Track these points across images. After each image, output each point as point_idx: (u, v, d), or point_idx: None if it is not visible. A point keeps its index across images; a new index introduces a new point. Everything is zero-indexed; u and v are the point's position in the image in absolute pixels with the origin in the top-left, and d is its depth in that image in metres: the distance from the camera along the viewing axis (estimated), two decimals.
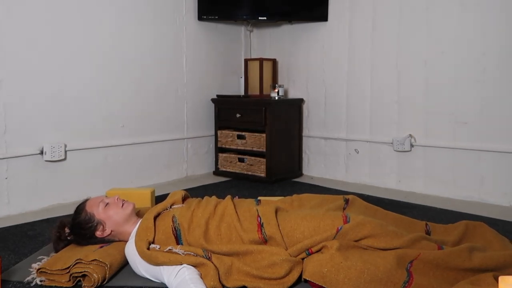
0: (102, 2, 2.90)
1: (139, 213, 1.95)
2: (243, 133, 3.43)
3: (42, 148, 2.65)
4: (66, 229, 1.82)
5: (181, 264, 1.56)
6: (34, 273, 1.66)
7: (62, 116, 2.75)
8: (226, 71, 3.78)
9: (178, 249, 1.61)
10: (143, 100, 3.19)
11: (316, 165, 3.58)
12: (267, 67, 3.59)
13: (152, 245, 1.65)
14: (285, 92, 3.70)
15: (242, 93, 3.72)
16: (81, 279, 1.62)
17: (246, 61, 3.67)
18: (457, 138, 2.86)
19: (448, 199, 2.86)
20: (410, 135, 3.05)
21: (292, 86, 3.70)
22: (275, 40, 3.77)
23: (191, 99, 3.52)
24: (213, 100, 3.60)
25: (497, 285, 1.35)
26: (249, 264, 1.59)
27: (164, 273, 1.57)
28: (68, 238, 1.82)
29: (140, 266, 1.64)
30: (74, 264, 1.60)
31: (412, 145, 3.05)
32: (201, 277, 1.54)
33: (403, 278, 1.47)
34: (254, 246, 1.63)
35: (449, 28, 2.83)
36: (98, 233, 1.77)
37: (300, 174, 3.60)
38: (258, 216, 1.74)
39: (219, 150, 3.59)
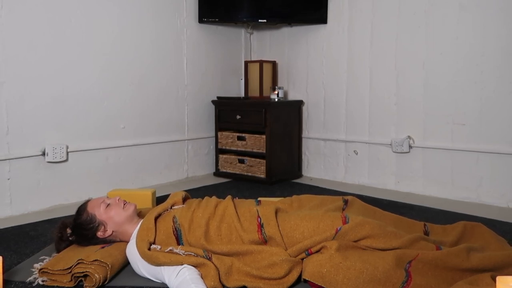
0: (104, 4, 2.92)
1: (140, 214, 1.96)
2: (243, 135, 3.45)
3: (44, 149, 2.67)
4: (67, 229, 1.83)
5: (182, 264, 1.57)
6: (36, 273, 1.67)
7: (64, 118, 2.77)
8: (227, 73, 3.80)
9: (178, 249, 1.62)
10: (144, 101, 3.20)
11: (316, 166, 3.60)
12: (267, 69, 3.61)
13: (153, 246, 1.66)
14: (285, 94, 3.72)
15: (242, 94, 3.74)
16: (83, 279, 1.62)
17: (246, 63, 3.69)
18: (455, 139, 2.87)
19: (447, 200, 2.87)
20: (408, 136, 3.07)
21: (291, 88, 3.71)
22: (275, 42, 3.79)
23: (192, 101, 3.53)
24: (213, 101, 3.61)
25: (495, 285, 1.36)
26: (249, 264, 1.60)
27: (165, 273, 1.58)
28: (70, 238, 1.83)
29: (141, 266, 1.65)
30: (76, 264, 1.62)
31: (410, 147, 3.06)
32: (202, 277, 1.55)
33: (402, 278, 1.48)
34: (254, 246, 1.64)
35: (447, 30, 2.85)
36: (100, 234, 1.78)
37: (299, 175, 3.62)
38: (258, 216, 1.75)
39: (219, 151, 3.61)
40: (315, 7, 3.42)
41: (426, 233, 1.89)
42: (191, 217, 1.76)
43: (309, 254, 1.63)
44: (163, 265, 1.59)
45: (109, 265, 1.62)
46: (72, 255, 1.70)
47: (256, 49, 3.93)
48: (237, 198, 2.04)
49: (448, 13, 2.84)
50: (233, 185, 3.33)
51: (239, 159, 3.49)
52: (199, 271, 1.57)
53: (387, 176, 3.20)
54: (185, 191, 2.05)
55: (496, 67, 2.69)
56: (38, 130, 2.65)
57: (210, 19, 3.49)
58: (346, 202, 1.95)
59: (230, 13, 3.52)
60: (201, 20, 3.50)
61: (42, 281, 1.64)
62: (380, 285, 1.46)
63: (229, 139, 3.53)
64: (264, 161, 3.34)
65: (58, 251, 1.83)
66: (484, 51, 2.72)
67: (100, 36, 2.91)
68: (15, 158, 2.56)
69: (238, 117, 3.45)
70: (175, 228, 1.73)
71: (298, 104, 3.59)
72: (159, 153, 3.33)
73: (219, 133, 3.58)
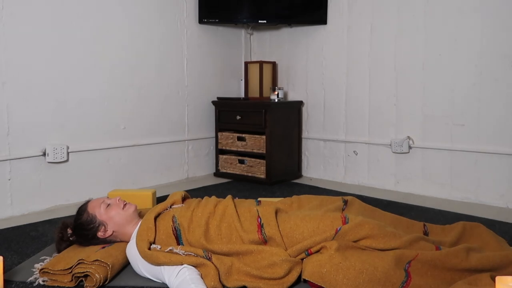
0: (105, 6, 2.92)
1: (140, 215, 1.97)
2: (243, 135, 3.45)
3: (45, 150, 2.67)
4: (68, 230, 1.84)
5: (182, 264, 1.58)
6: (36, 273, 1.67)
7: (64, 118, 2.77)
8: (227, 73, 3.81)
9: (178, 249, 1.63)
10: (144, 102, 3.21)
11: (315, 167, 3.60)
12: (267, 69, 3.62)
13: (153, 245, 1.67)
14: (285, 95, 3.73)
15: (242, 95, 3.75)
16: (83, 279, 1.63)
17: (246, 64, 3.70)
18: (454, 140, 2.88)
19: (446, 200, 2.88)
20: (408, 137, 3.07)
21: (291, 88, 3.72)
22: (275, 43, 3.80)
23: (192, 102, 3.54)
24: (213, 102, 3.62)
25: (494, 285, 1.37)
26: (249, 264, 1.61)
27: (165, 273, 1.59)
28: (71, 238, 1.83)
29: (141, 266, 1.65)
30: (77, 265, 1.62)
31: (410, 147, 3.07)
32: (202, 277, 1.56)
33: (401, 278, 1.49)
34: (254, 246, 1.65)
35: (446, 31, 2.86)
36: (100, 234, 1.79)
37: (299, 175, 3.62)
38: (258, 216, 1.76)
39: (219, 151, 3.61)
40: (315, 8, 3.43)
41: (426, 233, 1.90)
42: (191, 216, 1.77)
43: (309, 254, 1.64)
44: (163, 265, 1.59)
45: (110, 265, 1.63)
46: (73, 255, 1.70)
47: (256, 49, 3.94)
48: (237, 198, 2.04)
49: (447, 15, 2.85)
50: (233, 186, 3.33)
51: (239, 160, 3.50)
52: (199, 271, 1.58)
53: (387, 176, 3.20)
54: (185, 191, 2.06)
55: (494, 69, 2.70)
56: (39, 131, 2.66)
57: (210, 20, 3.50)
58: (345, 202, 1.96)
59: (230, 14, 3.53)
60: (201, 21, 3.50)
61: (43, 281, 1.64)
62: (379, 285, 1.46)
63: (229, 139, 3.54)
64: (264, 161, 3.35)
65: (59, 251, 1.83)
66: (483, 53, 2.73)
67: (100, 37, 2.92)
68: (16, 159, 2.56)
69: (238, 117, 3.46)
70: (175, 228, 1.74)
71: (298, 104, 3.60)
72: (159, 154, 3.33)
73: (219, 134, 3.59)
